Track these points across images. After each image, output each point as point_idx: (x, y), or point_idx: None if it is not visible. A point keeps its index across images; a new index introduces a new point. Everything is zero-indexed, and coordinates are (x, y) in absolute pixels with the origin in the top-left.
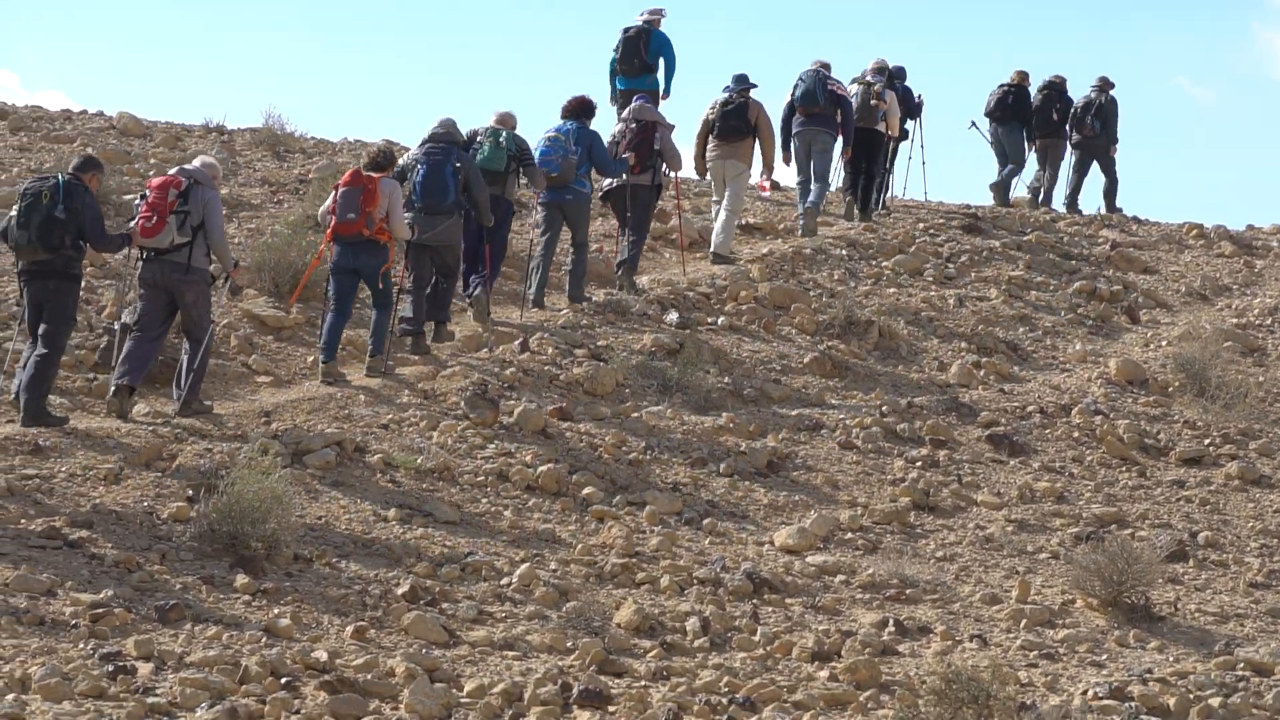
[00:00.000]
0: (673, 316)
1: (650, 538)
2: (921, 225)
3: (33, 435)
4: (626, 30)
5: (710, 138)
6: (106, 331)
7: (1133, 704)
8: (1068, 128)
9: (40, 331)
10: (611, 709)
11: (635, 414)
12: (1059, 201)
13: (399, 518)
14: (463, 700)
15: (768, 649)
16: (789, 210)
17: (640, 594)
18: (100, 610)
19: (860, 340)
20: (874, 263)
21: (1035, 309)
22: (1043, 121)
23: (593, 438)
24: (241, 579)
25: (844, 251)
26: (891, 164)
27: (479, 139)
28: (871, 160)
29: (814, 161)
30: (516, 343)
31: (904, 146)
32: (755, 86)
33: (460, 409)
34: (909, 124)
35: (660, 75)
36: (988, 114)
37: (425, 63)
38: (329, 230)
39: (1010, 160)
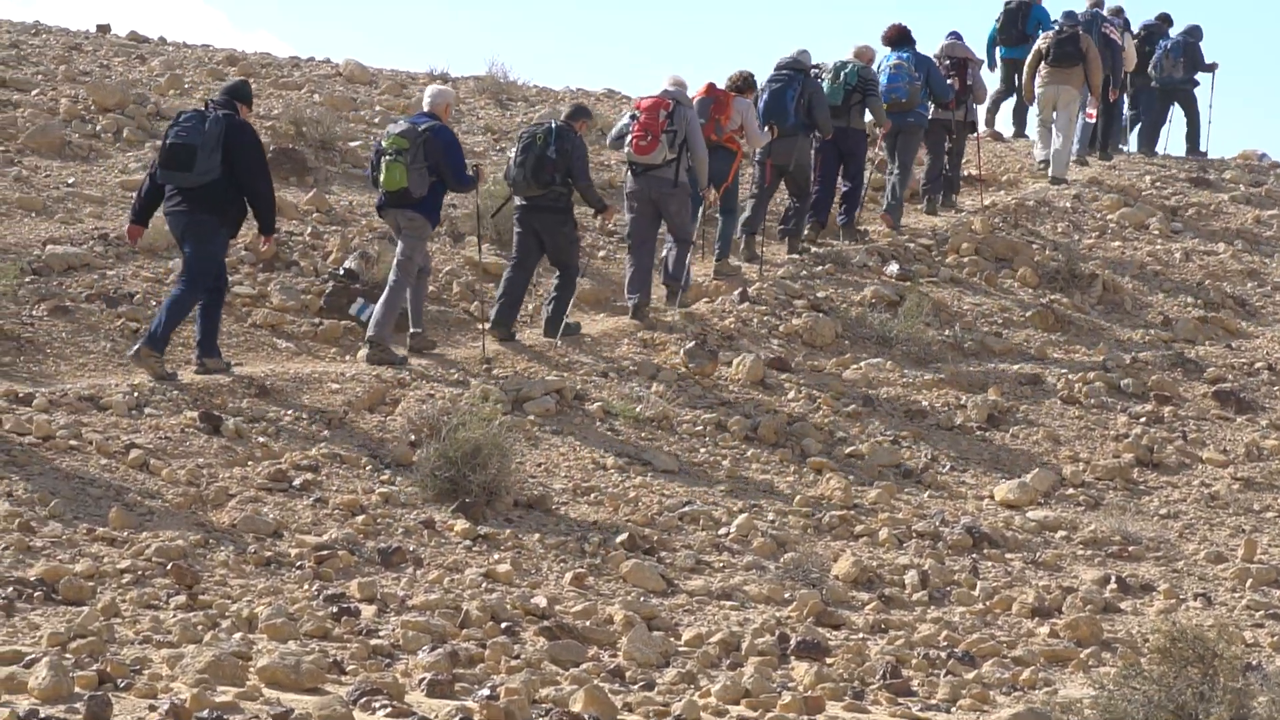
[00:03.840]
0: (893, 268)
1: (869, 490)
2: (1149, 178)
3: (260, 378)
4: (1009, 3)
5: (1042, 65)
6: (332, 277)
7: None
8: None
9: (554, 262)
10: (829, 660)
11: (854, 366)
12: None
13: (617, 466)
14: (680, 649)
15: (987, 604)
16: (1011, 161)
17: (858, 546)
18: (325, 552)
19: (1083, 294)
20: (1098, 215)
21: (1264, 263)
22: None
23: (811, 389)
24: (462, 524)
25: (1068, 204)
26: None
27: (822, 74)
28: (1109, 101)
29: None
30: (736, 293)
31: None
32: (1081, 22)
33: (680, 358)
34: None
35: None
36: None
37: (658, 14)
38: None
39: None
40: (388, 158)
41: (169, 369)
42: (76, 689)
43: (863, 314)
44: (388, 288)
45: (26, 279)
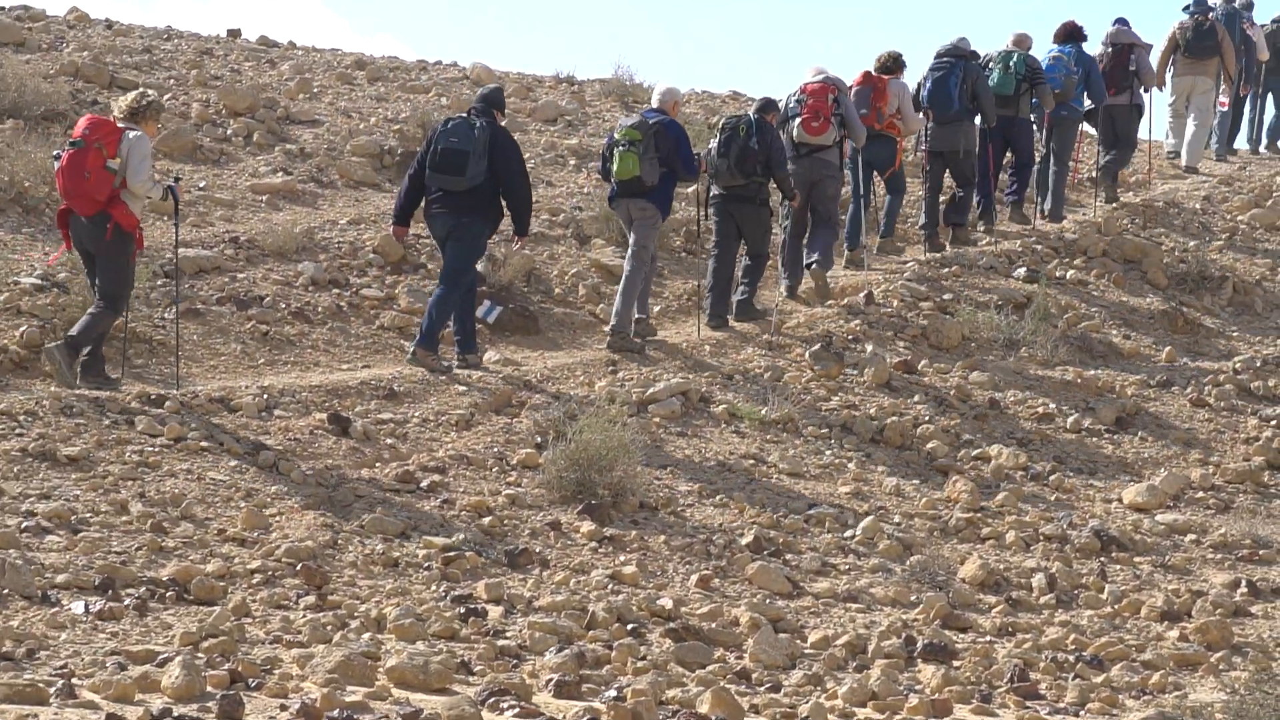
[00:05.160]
0: (1020, 271)
1: (995, 493)
2: (1279, 179)
3: (388, 381)
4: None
5: (1177, 55)
6: None
7: None
8: None
9: (750, 250)
10: (956, 663)
11: (981, 368)
12: None
13: (742, 468)
14: (806, 651)
15: (1115, 607)
16: (1140, 162)
17: (985, 549)
18: (452, 554)
19: (1213, 295)
20: (1228, 216)
21: None
22: None
23: (938, 391)
24: (588, 525)
25: (1197, 205)
26: None
27: (991, 64)
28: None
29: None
30: (861, 294)
31: None
32: (1214, 10)
33: (805, 360)
34: None
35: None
36: None
37: (778, 16)
38: None
39: None
40: (620, 148)
41: (444, 363)
42: (209, 688)
43: (989, 316)
44: (624, 277)
45: (158, 282)
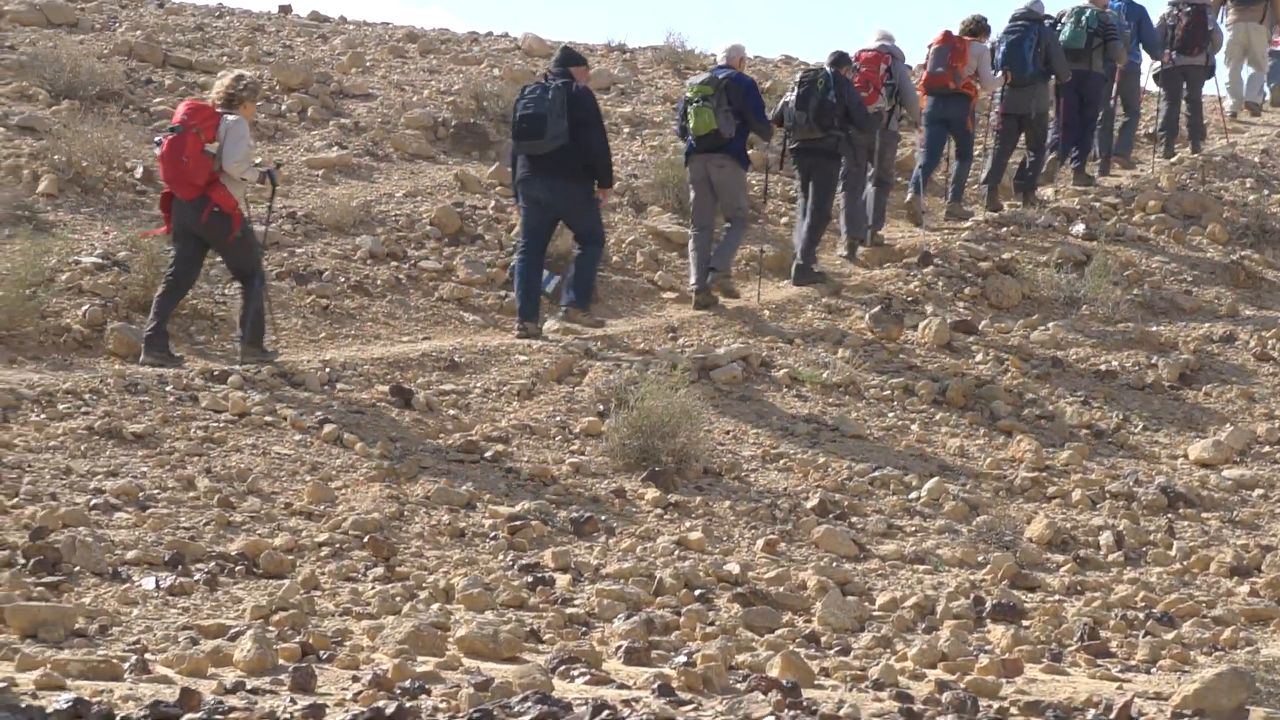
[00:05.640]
0: (1079, 228)
1: (1060, 452)
2: None
3: (449, 352)
4: None
5: (1226, 5)
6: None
7: None
8: None
9: (810, 201)
10: (1025, 623)
11: (1042, 327)
12: None
13: (806, 432)
14: (875, 613)
15: (1184, 564)
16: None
17: (1051, 508)
18: (518, 523)
19: (1275, 249)
20: None
21: None
22: None
23: (999, 351)
24: (652, 492)
25: (1256, 158)
26: None
27: (1063, 19)
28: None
29: None
30: (919, 256)
31: None
32: None
33: (865, 323)
34: None
35: None
36: None
37: None
38: (920, 83)
39: None
40: (695, 105)
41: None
42: (280, 661)
43: (1049, 274)
44: (727, 236)
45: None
